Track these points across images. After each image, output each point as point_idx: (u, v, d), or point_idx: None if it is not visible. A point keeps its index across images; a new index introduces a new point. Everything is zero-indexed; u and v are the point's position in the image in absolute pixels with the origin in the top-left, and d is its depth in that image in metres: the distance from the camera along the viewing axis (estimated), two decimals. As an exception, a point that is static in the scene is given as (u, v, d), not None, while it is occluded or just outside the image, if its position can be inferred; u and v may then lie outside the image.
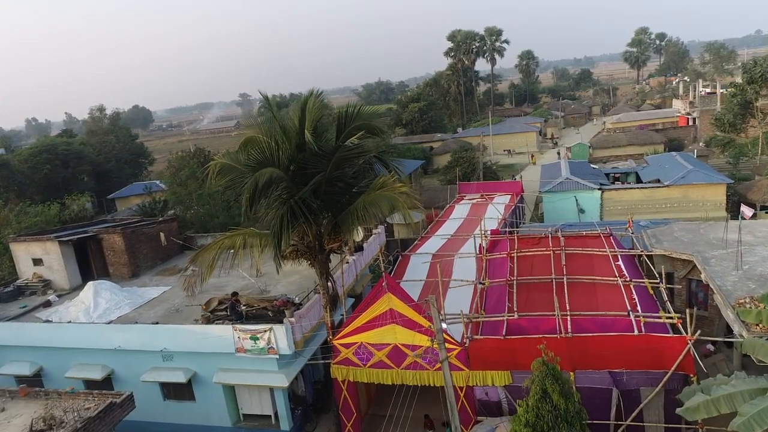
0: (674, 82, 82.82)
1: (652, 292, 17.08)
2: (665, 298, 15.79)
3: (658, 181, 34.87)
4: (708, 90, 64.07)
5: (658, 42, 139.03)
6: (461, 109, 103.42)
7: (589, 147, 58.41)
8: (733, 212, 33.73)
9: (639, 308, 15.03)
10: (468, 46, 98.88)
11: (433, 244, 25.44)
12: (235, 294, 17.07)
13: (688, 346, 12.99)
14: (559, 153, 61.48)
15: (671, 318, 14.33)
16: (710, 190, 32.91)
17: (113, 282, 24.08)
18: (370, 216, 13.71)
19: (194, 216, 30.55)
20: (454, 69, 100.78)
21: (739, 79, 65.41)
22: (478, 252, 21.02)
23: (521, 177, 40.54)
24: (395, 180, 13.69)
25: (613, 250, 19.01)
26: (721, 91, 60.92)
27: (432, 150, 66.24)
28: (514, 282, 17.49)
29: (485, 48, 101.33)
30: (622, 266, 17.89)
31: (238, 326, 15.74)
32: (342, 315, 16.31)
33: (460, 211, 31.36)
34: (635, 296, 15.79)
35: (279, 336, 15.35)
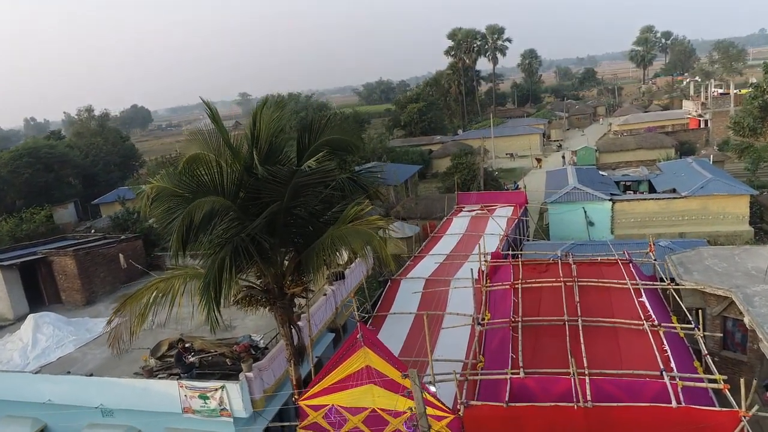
0: (684, 83, 79.79)
1: (682, 334, 14.33)
2: (704, 350, 12.96)
3: (674, 190, 32.03)
4: (721, 91, 61.12)
5: (663, 41, 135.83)
6: (462, 109, 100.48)
7: (596, 151, 55.49)
8: (753, 223, 30.97)
9: (673, 364, 12.23)
10: (469, 44, 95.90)
11: (426, 266, 22.66)
12: (181, 341, 14.31)
13: (742, 423, 10.22)
14: (563, 157, 58.58)
15: (715, 381, 11.51)
16: (732, 201, 30.06)
17: (66, 309, 21.47)
18: (340, 254, 10.94)
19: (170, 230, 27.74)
20: (455, 68, 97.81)
21: (753, 79, 62.60)
22: (476, 281, 18.26)
23: (524, 185, 37.61)
24: (371, 209, 10.83)
25: (635, 282, 16.18)
26: (735, 91, 58.03)
27: (431, 153, 63.40)
28: (519, 324, 14.68)
29: (487, 47, 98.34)
30: (647, 303, 15.08)
31: (185, 382, 12.99)
32: (311, 367, 13.50)
33: (458, 225, 28.57)
34: (666, 346, 13.00)
35: (233, 395, 12.62)
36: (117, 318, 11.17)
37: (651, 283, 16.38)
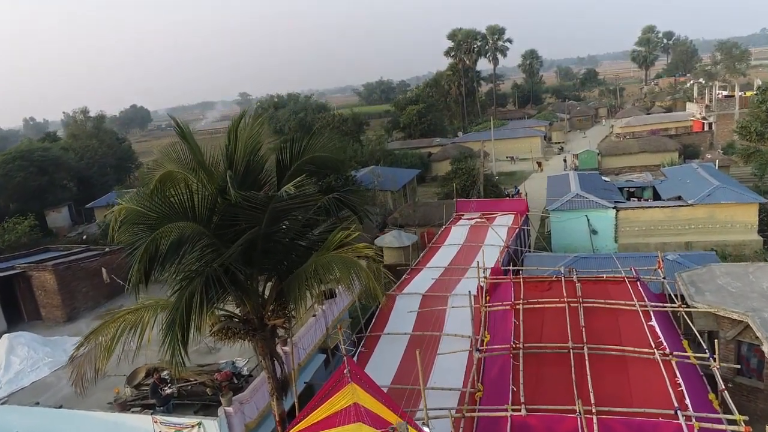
0: (687, 84, 78.68)
1: (695, 361, 13.36)
2: (720, 384, 11.97)
3: (680, 198, 31.04)
4: (725, 93, 60.04)
5: (665, 41, 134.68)
6: (462, 110, 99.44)
7: (598, 154, 54.50)
8: (761, 232, 29.98)
9: (688, 401, 11.24)
10: (469, 45, 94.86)
11: (423, 281, 21.65)
12: (157, 370, 13.35)
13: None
14: (565, 160, 57.59)
15: (735, 423, 10.52)
16: (740, 209, 29.06)
17: (46, 326, 20.56)
18: (324, 283, 9.98)
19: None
20: (455, 69, 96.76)
21: (758, 81, 61.52)
22: (474, 301, 17.28)
23: (525, 192, 36.59)
24: (358, 235, 9.85)
25: (643, 304, 15.19)
26: (740, 94, 56.99)
27: (430, 156, 62.40)
28: (521, 351, 13.69)
29: (487, 47, 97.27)
30: (657, 328, 14.09)
31: (159, 417, 12.03)
32: (294, 401, 12.52)
33: (457, 234, 27.56)
34: (679, 379, 12.01)
35: (211, 432, 11.67)
36: (82, 350, 10.18)
37: (661, 305, 15.38)
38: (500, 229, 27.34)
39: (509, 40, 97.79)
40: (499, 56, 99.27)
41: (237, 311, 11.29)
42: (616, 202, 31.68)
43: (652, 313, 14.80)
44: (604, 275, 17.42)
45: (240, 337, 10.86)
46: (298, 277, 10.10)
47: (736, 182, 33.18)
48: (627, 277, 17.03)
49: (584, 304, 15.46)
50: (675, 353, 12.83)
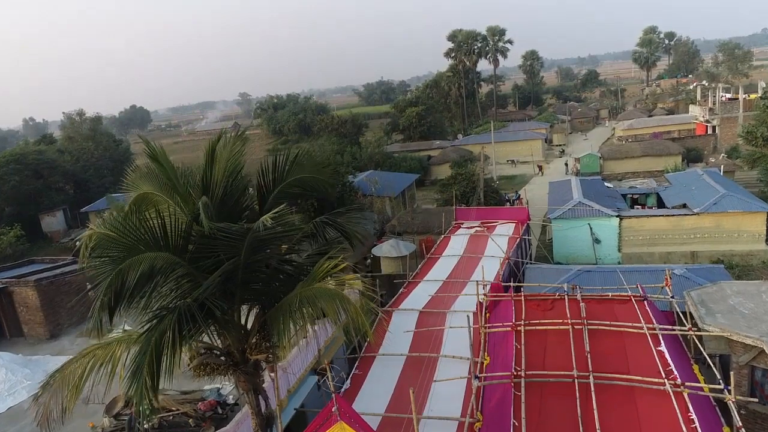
0: (691, 86, 77.76)
1: (709, 392, 12.56)
2: (737, 421, 11.15)
3: (685, 206, 30.26)
4: (729, 95, 59.21)
5: (667, 41, 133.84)
6: (462, 111, 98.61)
7: (600, 158, 53.69)
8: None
9: (702, 439, 10.47)
10: (469, 46, 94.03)
11: (421, 295, 20.85)
12: (132, 402, 12.56)
13: None
14: (566, 164, 56.77)
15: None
16: (747, 218, 28.26)
17: (29, 344, 19.82)
18: (308, 316, 9.20)
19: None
20: (455, 70, 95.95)
21: (762, 83, 60.69)
22: (474, 320, 16.49)
23: (527, 200, 35.77)
24: (346, 265, 9.07)
25: (651, 326, 14.40)
26: (744, 96, 56.17)
27: (430, 159, 61.59)
28: (522, 380, 12.90)
29: (487, 48, 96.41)
30: (666, 354, 13.30)
31: (136, 454, 11.23)
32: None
33: (456, 245, 26.75)
34: (692, 414, 11.22)
35: (191, 471, 10.88)
36: (47, 390, 9.41)
37: (670, 327, 14.59)
38: (500, 239, 26.55)
39: (510, 42, 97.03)
40: (500, 57, 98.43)
41: (218, 342, 10.52)
42: (619, 209, 30.91)
43: (661, 336, 14.02)
44: (610, 293, 16.63)
45: (220, 372, 10.07)
46: (282, 308, 9.32)
47: (743, 189, 32.40)
48: (633, 296, 16.25)
49: (589, 326, 14.69)
50: (687, 384, 12.03)
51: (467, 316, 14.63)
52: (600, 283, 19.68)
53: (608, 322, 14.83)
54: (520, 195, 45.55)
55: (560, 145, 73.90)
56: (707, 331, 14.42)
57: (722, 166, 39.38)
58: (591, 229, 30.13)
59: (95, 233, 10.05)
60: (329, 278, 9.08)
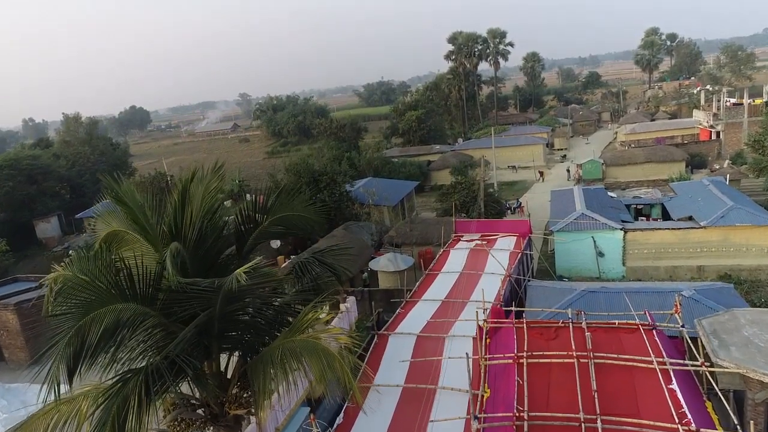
0: (695, 91, 76.86)
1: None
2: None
3: (691, 218, 29.41)
4: (734, 100, 58.33)
5: (669, 43, 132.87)
6: (463, 114, 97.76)
7: (602, 164, 52.84)
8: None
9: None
10: (470, 49, 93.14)
11: (419, 317, 20.00)
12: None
13: None
14: (568, 170, 55.91)
15: None
16: (756, 232, 27.42)
17: (9, 369, 18.97)
18: (291, 370, 8.39)
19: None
20: (456, 73, 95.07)
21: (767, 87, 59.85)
22: (473, 350, 15.69)
23: (528, 213, 34.94)
24: (329, 315, 8.25)
25: (662, 361, 13.56)
26: (749, 101, 55.31)
27: (429, 165, 60.73)
28: (525, 423, 12.07)
29: (488, 51, 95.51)
30: (678, 393, 12.47)
31: None
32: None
33: (456, 259, 25.92)
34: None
35: None
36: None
37: (681, 362, 13.75)
38: (501, 254, 25.73)
39: (511, 44, 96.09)
40: (501, 60, 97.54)
41: (195, 392, 9.70)
42: (624, 222, 30.07)
43: (672, 373, 13.20)
44: (616, 321, 15.78)
45: (198, 428, 9.25)
46: (262, 360, 8.51)
47: (750, 200, 31.56)
48: (641, 324, 15.41)
49: (595, 359, 13.86)
50: (702, 430, 11.21)
51: (466, 353, 13.79)
52: (605, 305, 18.85)
53: (616, 355, 14.00)
54: (521, 203, 44.76)
55: (562, 149, 73.07)
56: (721, 366, 13.57)
57: (728, 176, 38.48)
58: (595, 242, 29.31)
59: (60, 275, 9.27)
60: (313, 329, 8.24)
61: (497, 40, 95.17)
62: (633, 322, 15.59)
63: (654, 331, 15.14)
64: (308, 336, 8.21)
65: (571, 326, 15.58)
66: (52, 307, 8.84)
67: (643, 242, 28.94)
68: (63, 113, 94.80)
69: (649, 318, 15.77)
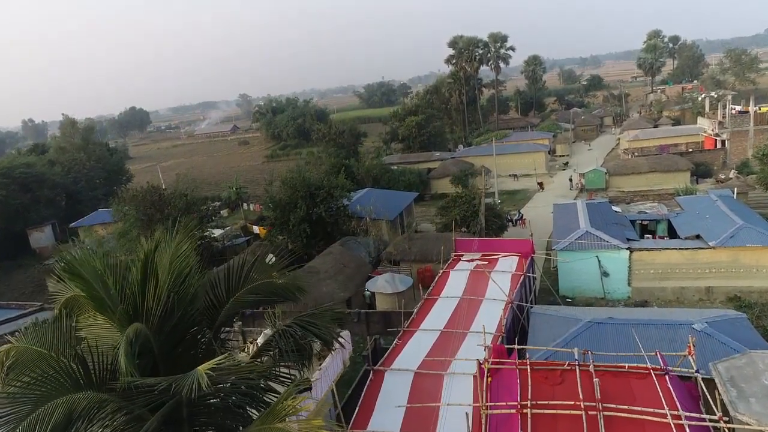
0: (700, 98, 75.81)
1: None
2: None
3: (698, 237, 28.45)
4: (739, 108, 57.32)
5: (671, 45, 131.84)
6: (463, 118, 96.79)
7: (605, 173, 51.90)
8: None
9: None
10: (471, 53, 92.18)
11: (416, 351, 19.02)
12: None
13: None
14: (571, 179, 54.94)
15: None
16: (767, 253, 26.46)
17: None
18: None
19: None
20: (456, 77, 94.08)
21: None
22: (473, 395, 14.75)
23: (531, 232, 33.92)
24: (304, 396, 7.35)
25: (676, 414, 12.63)
26: (755, 109, 54.34)
27: (429, 172, 59.78)
28: (529, 490, 11.15)
29: (489, 55, 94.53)
30: (696, 454, 11.56)
31: None
32: None
33: (456, 283, 24.95)
34: None
35: None
36: None
37: (697, 416, 12.81)
38: (503, 276, 24.76)
39: (512, 48, 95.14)
40: (502, 64, 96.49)
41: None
42: (629, 240, 29.13)
43: (687, 428, 12.26)
44: (626, 365, 14.84)
45: None
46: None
47: (760, 218, 30.61)
48: (653, 369, 14.46)
49: (605, 412, 12.94)
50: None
51: (465, 413, 12.85)
52: (612, 341, 17.91)
53: (626, 407, 13.06)
54: (522, 215, 43.83)
55: (564, 156, 72.07)
56: (741, 422, 12.63)
57: (735, 189, 37.50)
58: (599, 261, 28.38)
59: (14, 348, 8.34)
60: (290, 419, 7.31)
61: (498, 44, 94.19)
62: (644, 366, 14.65)
63: (666, 377, 14.21)
64: (285, 425, 7.27)
65: (577, 369, 14.65)
66: (2, 385, 7.87)
67: (649, 262, 28.01)
68: (63, 114, 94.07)
69: (660, 360, 14.82)
